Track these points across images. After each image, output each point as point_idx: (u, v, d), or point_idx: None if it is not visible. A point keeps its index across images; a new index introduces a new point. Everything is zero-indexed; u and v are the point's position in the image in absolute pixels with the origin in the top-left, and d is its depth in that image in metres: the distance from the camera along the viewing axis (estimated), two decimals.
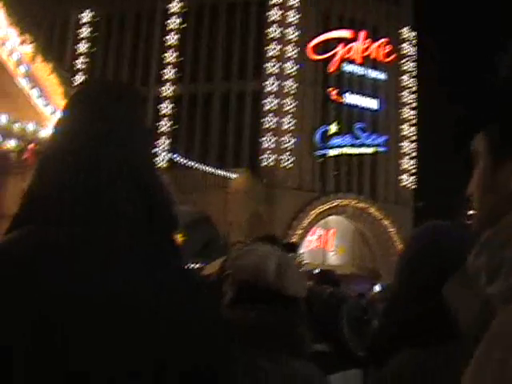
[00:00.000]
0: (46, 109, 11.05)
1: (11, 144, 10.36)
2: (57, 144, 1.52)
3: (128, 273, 1.34)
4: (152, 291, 1.34)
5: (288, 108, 37.12)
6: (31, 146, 10.53)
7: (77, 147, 1.47)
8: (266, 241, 3.31)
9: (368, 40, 40.46)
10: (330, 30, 39.63)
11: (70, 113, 1.57)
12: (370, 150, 38.77)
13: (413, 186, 41.41)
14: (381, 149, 38.87)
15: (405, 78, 42.44)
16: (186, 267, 1.51)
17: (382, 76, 40.98)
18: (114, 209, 1.41)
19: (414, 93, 42.60)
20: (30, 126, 10.25)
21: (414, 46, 43.24)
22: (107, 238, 1.39)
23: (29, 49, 10.57)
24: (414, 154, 41.73)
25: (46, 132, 10.40)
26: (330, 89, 38.91)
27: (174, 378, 1.30)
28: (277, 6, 38.06)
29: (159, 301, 1.34)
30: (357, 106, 39.75)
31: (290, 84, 37.38)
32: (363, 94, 39.98)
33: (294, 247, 2.72)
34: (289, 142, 36.78)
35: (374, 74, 40.76)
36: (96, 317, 1.27)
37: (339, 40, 39.65)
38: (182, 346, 1.33)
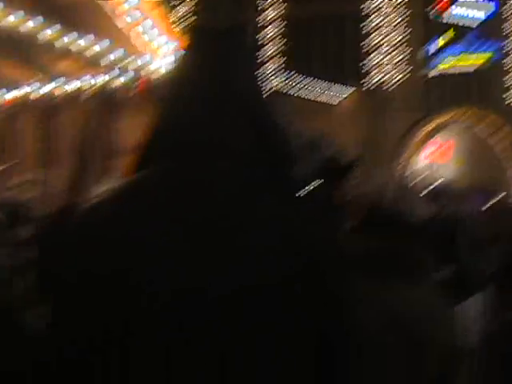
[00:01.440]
0: (158, 39, 11.14)
1: (124, 79, 10.54)
2: (174, 84, 1.60)
3: (226, 203, 1.37)
4: (252, 219, 1.36)
5: (394, 24, 36.01)
6: (143, 78, 10.67)
7: (190, 85, 1.53)
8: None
9: None
10: None
11: (184, 54, 1.62)
12: (482, 59, 37.19)
13: None
14: (494, 57, 37.17)
15: None
16: (296, 198, 1.53)
17: None
18: (218, 140, 1.45)
19: None
20: (143, 59, 10.38)
21: None
22: (207, 170, 1.43)
23: None
24: None
25: (157, 64, 10.51)
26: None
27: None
28: None
29: (260, 230, 1.35)
30: (466, 16, 38.10)
31: None
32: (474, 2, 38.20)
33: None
34: (396, 58, 35.76)
35: None
36: (193, 238, 1.32)
37: None
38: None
